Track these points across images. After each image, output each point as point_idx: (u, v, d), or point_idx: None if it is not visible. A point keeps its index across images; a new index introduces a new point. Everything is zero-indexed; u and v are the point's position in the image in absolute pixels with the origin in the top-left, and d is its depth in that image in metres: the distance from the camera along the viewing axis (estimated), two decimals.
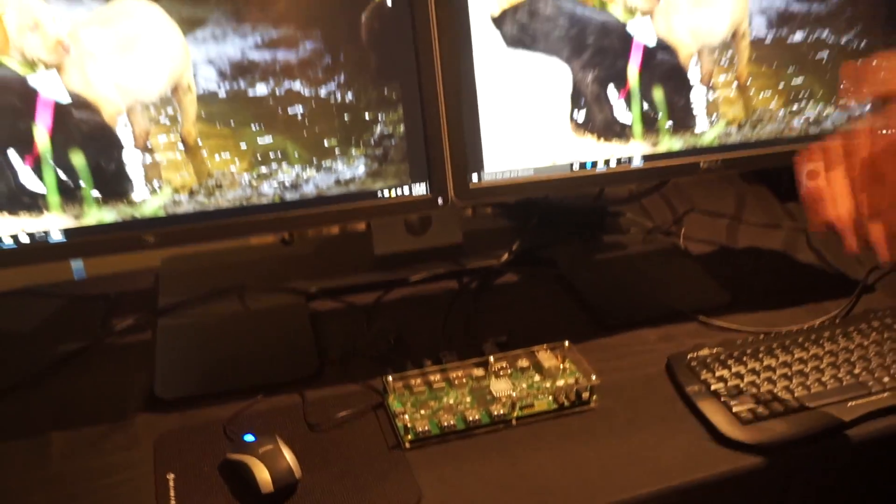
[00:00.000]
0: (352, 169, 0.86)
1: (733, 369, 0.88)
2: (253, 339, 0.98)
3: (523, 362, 0.90)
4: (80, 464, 0.80)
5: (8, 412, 0.88)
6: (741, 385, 0.86)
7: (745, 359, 0.90)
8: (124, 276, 1.11)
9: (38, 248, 0.80)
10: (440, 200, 0.88)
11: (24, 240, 0.79)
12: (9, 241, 0.79)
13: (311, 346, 0.96)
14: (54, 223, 0.79)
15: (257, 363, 0.93)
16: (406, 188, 0.88)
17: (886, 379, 0.87)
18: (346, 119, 0.84)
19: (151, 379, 0.91)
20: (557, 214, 1.20)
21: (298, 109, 0.82)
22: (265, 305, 1.03)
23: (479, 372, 0.88)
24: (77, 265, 1.17)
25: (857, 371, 0.88)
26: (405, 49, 0.84)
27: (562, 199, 1.22)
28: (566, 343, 0.91)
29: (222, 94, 0.80)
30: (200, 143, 0.81)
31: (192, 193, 0.82)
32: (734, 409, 0.83)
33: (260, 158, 0.83)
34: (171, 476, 0.78)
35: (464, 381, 0.87)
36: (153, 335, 0.98)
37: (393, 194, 0.88)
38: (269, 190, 0.84)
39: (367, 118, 0.84)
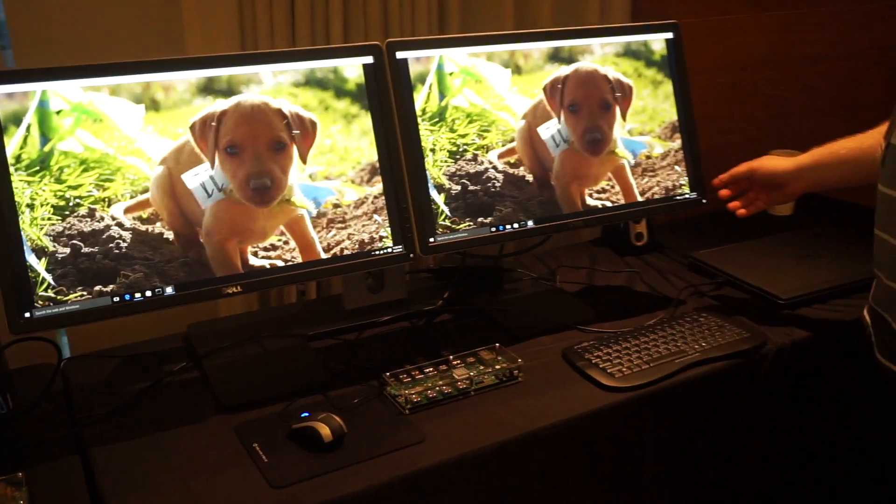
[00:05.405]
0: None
1: (604, 350, 1.38)
2: (276, 365, 1.38)
3: (471, 359, 1.35)
4: (184, 449, 1.17)
5: (114, 428, 1.23)
6: (611, 358, 1.35)
7: (611, 345, 1.40)
8: (157, 341, 1.48)
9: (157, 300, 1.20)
10: (411, 255, 1.35)
11: (148, 294, 1.19)
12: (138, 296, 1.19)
13: (319, 366, 1.38)
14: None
15: (283, 379, 1.33)
16: (390, 248, 1.35)
17: (696, 346, 1.39)
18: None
19: (214, 396, 1.29)
20: (472, 273, 1.68)
21: None
22: (278, 345, 1.44)
23: (443, 367, 1.33)
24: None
25: (678, 344, 1.40)
26: None
27: (474, 264, 1.70)
28: (497, 345, 1.37)
29: None
30: None
31: None
32: (608, 371, 1.32)
33: None
34: (256, 445, 1.16)
35: (434, 373, 1.31)
36: (201, 372, 1.36)
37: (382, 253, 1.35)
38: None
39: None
